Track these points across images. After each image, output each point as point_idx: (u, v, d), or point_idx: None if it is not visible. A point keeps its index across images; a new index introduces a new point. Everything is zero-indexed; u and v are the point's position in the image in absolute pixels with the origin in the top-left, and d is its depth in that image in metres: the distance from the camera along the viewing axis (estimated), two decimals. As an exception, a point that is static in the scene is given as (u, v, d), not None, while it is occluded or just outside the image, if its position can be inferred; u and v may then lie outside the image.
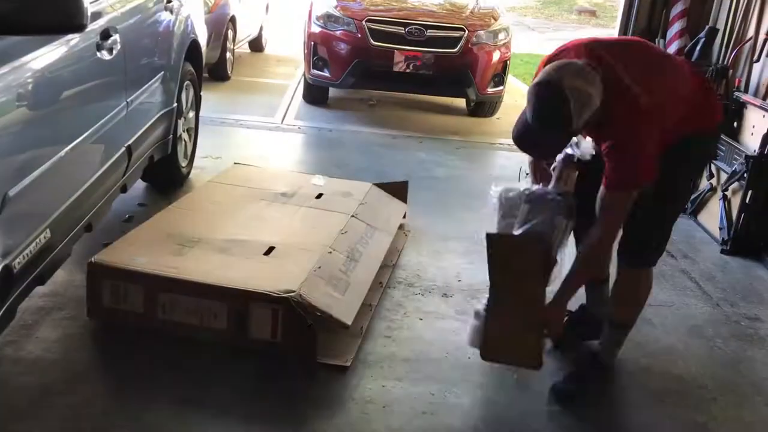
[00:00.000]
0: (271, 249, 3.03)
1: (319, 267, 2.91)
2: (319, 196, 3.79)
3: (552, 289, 2.58)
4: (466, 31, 6.61)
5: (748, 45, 4.87)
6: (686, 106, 2.45)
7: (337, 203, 3.71)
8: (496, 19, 6.99)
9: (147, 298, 2.72)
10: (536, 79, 2.35)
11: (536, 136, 2.35)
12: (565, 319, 2.73)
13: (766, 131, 4.14)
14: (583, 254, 2.50)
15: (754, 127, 4.40)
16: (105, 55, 2.84)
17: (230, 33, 7.94)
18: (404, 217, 4.10)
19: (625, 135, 2.32)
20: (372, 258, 3.32)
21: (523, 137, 2.39)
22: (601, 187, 2.40)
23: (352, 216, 3.55)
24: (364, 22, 6.54)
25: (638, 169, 2.32)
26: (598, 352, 2.82)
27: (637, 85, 2.32)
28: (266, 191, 3.76)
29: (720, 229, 4.38)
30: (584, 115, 2.26)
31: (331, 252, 3.10)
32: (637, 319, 2.77)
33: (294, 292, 2.63)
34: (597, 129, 2.41)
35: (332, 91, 7.32)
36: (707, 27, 5.29)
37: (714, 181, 4.61)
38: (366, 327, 2.99)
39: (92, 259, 2.79)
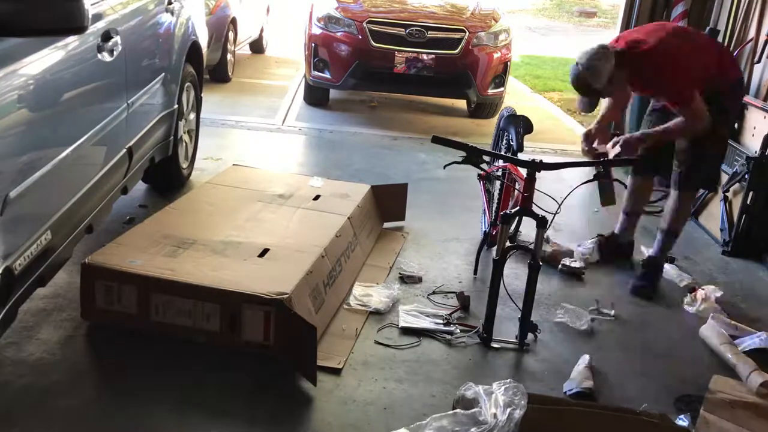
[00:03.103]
0: (266, 251, 3.03)
1: (311, 272, 2.91)
2: (317, 197, 3.78)
3: None
4: (467, 33, 6.61)
5: (748, 46, 4.87)
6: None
7: (335, 205, 3.70)
8: (496, 21, 6.99)
9: (140, 299, 2.71)
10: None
11: None
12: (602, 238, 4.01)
13: (766, 132, 4.14)
14: (676, 129, 3.41)
15: (755, 128, 4.40)
16: (106, 56, 2.84)
17: (231, 35, 7.95)
18: (402, 219, 4.14)
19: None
20: (347, 276, 3.33)
21: None
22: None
23: (348, 218, 3.55)
24: (364, 24, 6.55)
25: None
26: (654, 255, 3.73)
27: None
28: (263, 193, 3.75)
29: (721, 230, 4.38)
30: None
31: (323, 256, 3.10)
32: (683, 227, 3.71)
33: (286, 294, 2.62)
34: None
35: (333, 93, 7.33)
36: (708, 28, 5.30)
37: (715, 182, 4.61)
38: (360, 329, 2.99)
39: (86, 260, 2.78)
